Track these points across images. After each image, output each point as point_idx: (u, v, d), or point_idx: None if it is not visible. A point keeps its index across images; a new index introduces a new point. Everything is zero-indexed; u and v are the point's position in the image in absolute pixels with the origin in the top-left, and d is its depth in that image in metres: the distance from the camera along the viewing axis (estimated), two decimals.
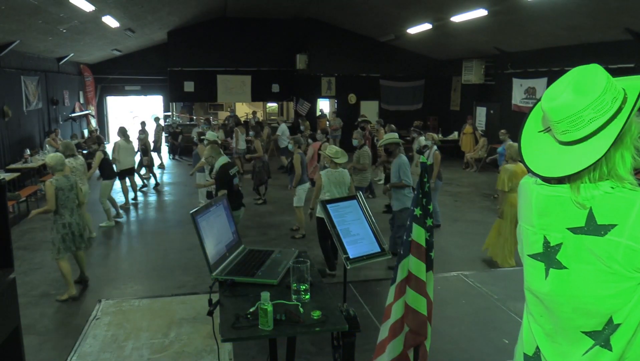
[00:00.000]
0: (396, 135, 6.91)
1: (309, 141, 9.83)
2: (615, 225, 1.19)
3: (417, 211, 2.80)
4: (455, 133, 15.23)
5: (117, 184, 8.59)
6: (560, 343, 1.33)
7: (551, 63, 11.09)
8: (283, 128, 13.48)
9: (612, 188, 1.22)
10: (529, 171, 1.34)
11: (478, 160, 13.21)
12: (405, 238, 2.86)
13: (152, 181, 11.32)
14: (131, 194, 9.71)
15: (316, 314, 1.95)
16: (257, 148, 9.65)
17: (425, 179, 2.83)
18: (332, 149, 5.95)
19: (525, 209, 1.40)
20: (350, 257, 2.70)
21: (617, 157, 1.23)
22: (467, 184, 11.57)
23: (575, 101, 1.22)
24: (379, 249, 2.84)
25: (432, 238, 2.87)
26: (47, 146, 11.65)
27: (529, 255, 1.38)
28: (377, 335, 2.97)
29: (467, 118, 14.44)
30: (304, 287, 2.08)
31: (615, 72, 1.28)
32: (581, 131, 1.24)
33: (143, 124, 12.37)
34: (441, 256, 6.18)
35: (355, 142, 7.71)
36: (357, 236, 2.81)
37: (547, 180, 1.31)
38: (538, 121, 1.40)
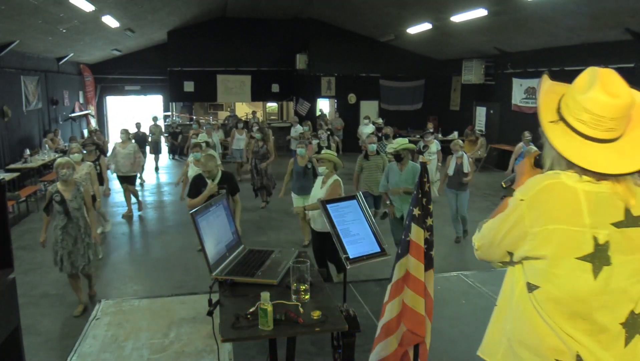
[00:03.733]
0: (407, 140, 6.40)
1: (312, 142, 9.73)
2: None
3: (416, 211, 2.81)
4: (455, 133, 15.21)
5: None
6: (601, 340, 1.36)
7: (551, 63, 11.09)
8: (299, 129, 12.40)
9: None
10: (595, 173, 1.31)
11: (478, 160, 13.20)
12: (403, 237, 2.87)
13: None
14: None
15: (316, 314, 1.95)
16: (271, 150, 9.37)
17: (426, 179, 2.83)
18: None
19: (567, 211, 1.33)
20: (350, 257, 2.70)
21: None
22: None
23: (632, 99, 1.29)
24: (378, 249, 2.84)
25: (432, 237, 2.88)
26: (46, 146, 11.66)
27: (577, 258, 1.32)
28: None
29: (469, 128, 14.28)
30: (304, 287, 2.07)
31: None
32: (622, 128, 1.31)
33: (138, 125, 12.57)
34: (441, 256, 6.17)
35: (373, 147, 6.88)
36: (357, 236, 2.81)
37: (605, 177, 1.32)
38: (549, 111, 1.41)
